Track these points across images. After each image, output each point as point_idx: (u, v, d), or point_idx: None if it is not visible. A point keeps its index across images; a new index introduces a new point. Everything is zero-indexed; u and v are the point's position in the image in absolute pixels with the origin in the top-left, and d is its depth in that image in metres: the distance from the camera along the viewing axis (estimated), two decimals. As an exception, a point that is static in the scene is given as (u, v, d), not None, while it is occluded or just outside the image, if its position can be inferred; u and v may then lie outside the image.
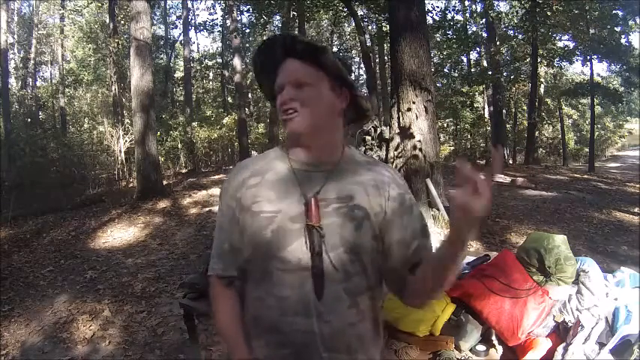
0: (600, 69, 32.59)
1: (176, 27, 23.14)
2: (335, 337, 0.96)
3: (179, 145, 13.65)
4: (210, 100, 23.23)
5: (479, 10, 16.65)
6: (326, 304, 0.95)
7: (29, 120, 15.71)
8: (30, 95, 18.61)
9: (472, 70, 18.54)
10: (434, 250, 1.00)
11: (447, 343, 1.91)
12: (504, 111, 17.78)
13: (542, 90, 18.48)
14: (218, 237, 1.08)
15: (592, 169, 14.04)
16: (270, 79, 1.07)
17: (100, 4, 16.03)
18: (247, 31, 18.80)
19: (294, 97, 0.99)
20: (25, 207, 7.71)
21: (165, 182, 8.98)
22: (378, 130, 6.49)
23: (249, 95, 21.72)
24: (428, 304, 1.06)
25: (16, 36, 19.24)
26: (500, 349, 1.95)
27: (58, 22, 18.80)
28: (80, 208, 7.89)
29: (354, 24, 14.19)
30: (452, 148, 18.90)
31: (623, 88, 18.17)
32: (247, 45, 22.13)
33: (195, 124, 14.13)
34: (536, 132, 17.57)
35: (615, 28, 14.60)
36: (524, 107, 19.21)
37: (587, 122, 21.87)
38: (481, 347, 1.95)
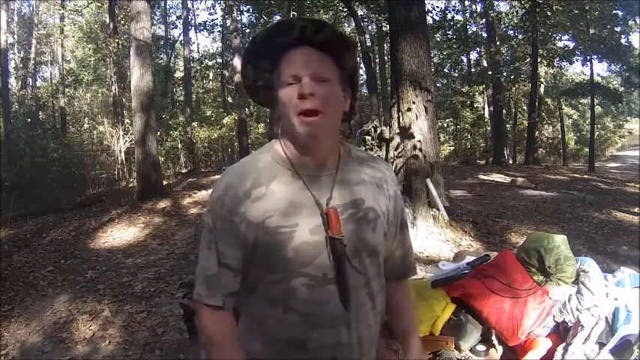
0: (600, 69, 32.56)
1: (176, 27, 23.20)
2: (362, 344, 0.96)
3: (179, 145, 13.65)
4: (210, 100, 23.24)
5: (479, 10, 16.67)
6: (353, 312, 0.93)
7: (29, 120, 15.68)
8: (30, 95, 18.61)
9: (472, 70, 18.56)
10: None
11: (447, 343, 1.91)
12: (504, 111, 17.78)
13: (542, 90, 18.47)
14: (203, 256, 0.96)
15: (592, 169, 14.04)
16: (260, 67, 0.96)
17: (100, 4, 16.04)
18: (247, 31, 18.81)
19: (316, 92, 0.88)
20: (25, 207, 7.71)
21: (165, 182, 8.98)
22: (378, 130, 6.50)
23: (250, 95, 21.70)
24: None
25: (16, 36, 19.24)
26: (500, 349, 1.95)
27: (58, 22, 18.81)
28: (80, 208, 7.89)
29: (354, 24, 14.19)
30: (452, 148, 18.91)
31: (623, 88, 18.18)
32: (247, 45, 22.09)
33: (195, 124, 14.13)
34: (536, 132, 17.56)
35: (615, 28, 14.62)
36: (524, 107, 19.20)
37: (587, 122, 21.87)
38: (481, 347, 1.96)
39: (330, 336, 0.92)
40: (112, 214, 7.03)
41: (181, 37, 20.37)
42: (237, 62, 14.08)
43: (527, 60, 16.16)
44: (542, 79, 17.69)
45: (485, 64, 17.26)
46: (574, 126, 25.41)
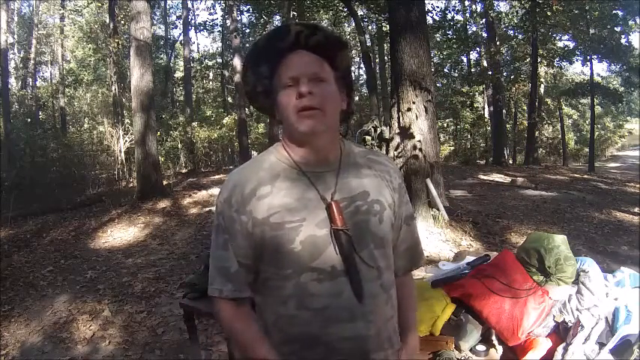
0: (600, 69, 32.58)
1: (176, 27, 23.20)
2: (380, 335, 0.96)
3: (179, 145, 13.65)
4: (210, 100, 23.24)
5: (479, 10, 16.67)
6: (367, 305, 0.93)
7: (29, 120, 15.70)
8: (30, 95, 18.61)
9: (472, 70, 18.56)
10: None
11: (447, 343, 1.91)
12: (504, 111, 17.79)
13: (542, 90, 18.47)
14: (220, 257, 0.98)
15: (592, 169, 14.04)
16: (260, 72, 1.00)
17: (100, 4, 16.03)
18: (247, 31, 18.83)
19: (314, 91, 0.92)
20: (25, 207, 7.71)
21: (165, 182, 8.98)
22: (378, 130, 6.50)
23: (249, 95, 21.69)
24: None
25: (16, 36, 19.24)
26: (500, 349, 1.95)
27: (58, 22, 18.80)
28: (80, 208, 7.89)
29: (354, 24, 14.20)
30: (452, 148, 18.91)
31: (623, 88, 18.18)
32: (247, 45, 22.11)
33: (195, 124, 14.13)
34: (536, 132, 17.56)
35: (615, 28, 14.62)
36: (524, 107, 19.21)
37: (587, 122, 21.87)
38: (481, 347, 1.96)
39: (348, 329, 0.92)
40: (112, 214, 7.03)
41: (181, 37, 20.37)
42: (237, 62, 14.08)
43: (527, 60, 16.16)
44: (542, 79, 17.69)
45: (485, 64, 17.26)
46: (574, 126, 25.42)
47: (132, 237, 5.98)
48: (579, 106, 23.01)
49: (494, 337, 1.97)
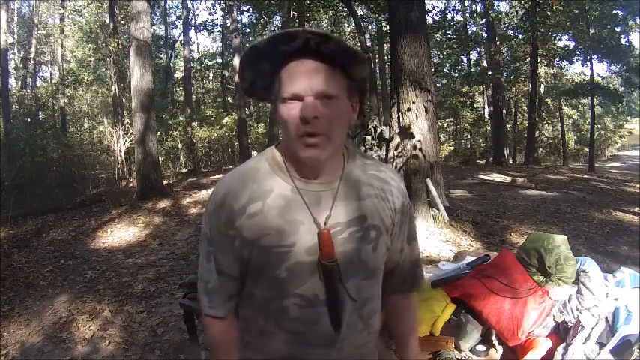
0: (600, 69, 32.64)
1: (176, 27, 23.21)
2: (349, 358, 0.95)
3: (179, 145, 13.65)
4: (210, 100, 23.24)
5: (479, 10, 16.68)
6: (343, 334, 0.91)
7: (29, 120, 15.69)
8: (30, 95, 18.61)
9: (472, 70, 18.56)
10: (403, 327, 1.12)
11: (447, 343, 1.91)
12: (504, 111, 17.79)
13: (542, 90, 18.48)
14: (204, 267, 0.95)
15: (592, 169, 14.04)
16: (260, 69, 0.89)
17: (100, 4, 16.04)
18: (247, 31, 18.82)
19: (320, 114, 0.81)
20: (25, 207, 7.71)
21: (165, 182, 8.98)
22: (378, 130, 6.50)
23: (249, 95, 21.70)
24: None
25: (16, 36, 19.25)
26: (500, 349, 1.95)
27: (58, 22, 18.82)
28: (80, 208, 7.89)
29: (354, 24, 14.19)
30: (452, 148, 18.92)
31: (623, 88, 18.19)
32: (247, 45, 22.08)
33: (195, 124, 14.14)
34: (536, 132, 17.57)
35: (615, 28, 14.61)
36: (524, 107, 19.22)
37: (587, 122, 21.87)
38: (481, 347, 1.95)
39: (322, 354, 0.92)
40: (112, 214, 7.04)
41: (181, 37, 20.38)
42: (237, 62, 14.08)
43: (527, 60, 16.18)
44: (542, 79, 17.71)
45: (485, 64, 17.27)
46: (574, 126, 25.42)
47: (132, 237, 5.98)
48: (579, 106, 23.02)
49: (494, 337, 1.97)
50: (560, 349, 1.78)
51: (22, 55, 20.01)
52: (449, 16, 14.51)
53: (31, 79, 19.98)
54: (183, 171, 12.67)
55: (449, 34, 15.09)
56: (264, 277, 0.90)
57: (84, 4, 16.34)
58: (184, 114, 15.58)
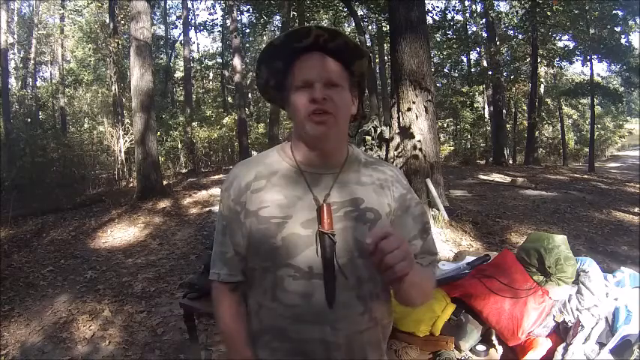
0: (600, 69, 32.66)
1: (176, 27, 23.22)
2: (349, 345, 0.95)
3: (179, 145, 13.65)
4: (210, 100, 23.23)
5: (479, 10, 16.68)
6: (337, 312, 0.93)
7: (29, 120, 15.69)
8: (30, 95, 18.60)
9: (472, 70, 18.56)
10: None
11: (447, 343, 1.91)
12: (504, 111, 17.79)
13: (542, 90, 18.48)
14: (220, 242, 1.03)
15: (592, 169, 14.04)
16: (274, 68, 1.00)
17: (100, 4, 16.03)
18: (247, 31, 18.84)
19: (328, 97, 0.92)
20: (25, 207, 7.71)
21: (165, 182, 8.98)
22: (378, 130, 6.50)
23: (249, 95, 21.73)
24: (418, 305, 1.04)
25: (16, 36, 19.24)
26: (500, 349, 1.95)
27: (58, 22, 18.81)
28: (80, 208, 7.89)
29: (354, 24, 14.19)
30: (452, 148, 18.91)
31: (623, 88, 18.19)
32: (247, 45, 22.14)
33: (195, 124, 14.14)
34: (536, 132, 17.57)
35: (615, 28, 14.62)
36: (524, 107, 19.21)
37: (587, 122, 21.87)
38: (481, 347, 1.95)
39: (314, 331, 0.93)
40: (112, 214, 7.04)
41: (181, 37, 20.38)
42: (237, 62, 14.09)
43: (527, 60, 16.18)
44: (542, 79, 17.71)
45: (485, 64, 17.26)
46: (574, 126, 25.42)
47: (132, 237, 5.98)
48: (579, 106, 23.02)
49: (494, 337, 1.97)
50: (560, 349, 1.79)
51: (22, 55, 20.01)
52: (449, 16, 14.51)
53: (31, 79, 19.98)
54: (183, 171, 12.67)
55: (449, 34, 15.09)
56: (262, 248, 0.95)
57: (84, 4, 16.33)
58: (184, 114, 15.58)
